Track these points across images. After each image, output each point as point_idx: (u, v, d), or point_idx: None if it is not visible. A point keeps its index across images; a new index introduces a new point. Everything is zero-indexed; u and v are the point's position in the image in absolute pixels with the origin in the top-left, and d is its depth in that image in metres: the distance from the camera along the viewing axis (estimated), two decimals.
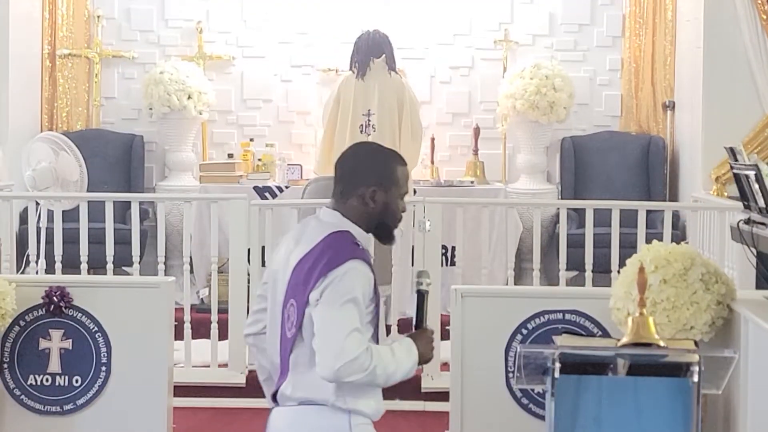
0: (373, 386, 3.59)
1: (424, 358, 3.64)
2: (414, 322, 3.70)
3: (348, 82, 8.69)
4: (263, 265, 7.49)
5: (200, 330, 7.47)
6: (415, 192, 8.68)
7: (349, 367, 3.47)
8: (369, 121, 8.63)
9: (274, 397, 3.73)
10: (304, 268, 3.60)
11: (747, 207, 5.05)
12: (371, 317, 3.62)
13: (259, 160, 9.48)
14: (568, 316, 5.23)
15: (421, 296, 3.64)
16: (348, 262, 3.55)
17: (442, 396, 5.90)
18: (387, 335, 7.75)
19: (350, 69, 8.73)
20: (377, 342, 3.66)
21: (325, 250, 3.59)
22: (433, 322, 3.67)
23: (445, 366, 5.61)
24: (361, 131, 8.63)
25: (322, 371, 3.49)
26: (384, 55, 8.64)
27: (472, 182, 9.26)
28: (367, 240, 3.69)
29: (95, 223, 7.62)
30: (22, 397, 5.87)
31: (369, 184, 3.64)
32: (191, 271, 7.80)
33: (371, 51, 8.64)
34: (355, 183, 3.66)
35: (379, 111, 8.58)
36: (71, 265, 7.60)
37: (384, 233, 3.70)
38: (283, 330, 3.64)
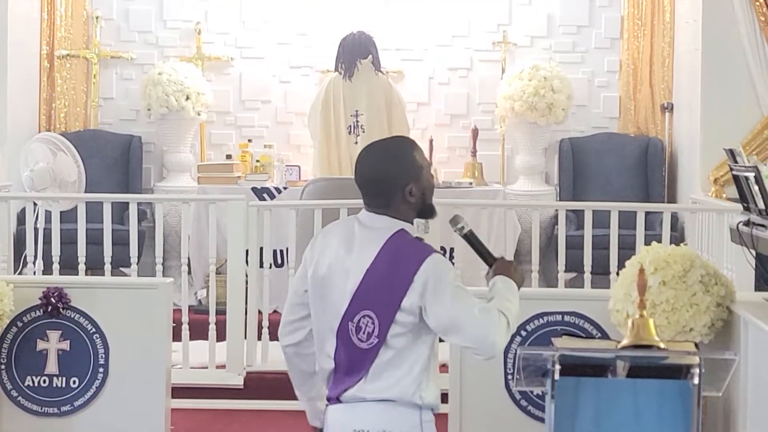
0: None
1: (521, 283, 3.64)
2: (484, 261, 3.70)
3: (335, 82, 8.71)
4: (261, 266, 7.48)
5: (198, 331, 7.46)
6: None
7: (501, 334, 3.48)
8: (357, 122, 8.64)
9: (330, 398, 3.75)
10: (378, 277, 3.59)
11: (746, 209, 5.05)
12: None
13: (258, 161, 9.47)
14: (567, 318, 5.22)
15: (468, 239, 3.66)
16: (428, 258, 3.57)
17: (441, 398, 5.89)
18: None
19: (336, 70, 8.75)
20: None
21: (398, 255, 3.60)
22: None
23: (443, 368, 5.59)
24: (349, 132, 8.65)
25: (487, 356, 3.52)
26: (371, 56, 8.66)
27: (470, 183, 9.25)
28: (413, 231, 3.70)
29: (93, 223, 7.61)
30: (20, 398, 5.86)
31: (402, 185, 3.66)
32: (189, 272, 7.79)
33: (357, 52, 8.66)
34: (391, 191, 3.67)
35: (368, 112, 8.60)
36: (69, 266, 7.59)
37: (431, 211, 3.73)
38: (351, 340, 3.61)
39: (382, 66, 8.86)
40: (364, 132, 8.62)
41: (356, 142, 8.64)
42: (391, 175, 3.68)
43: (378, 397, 3.59)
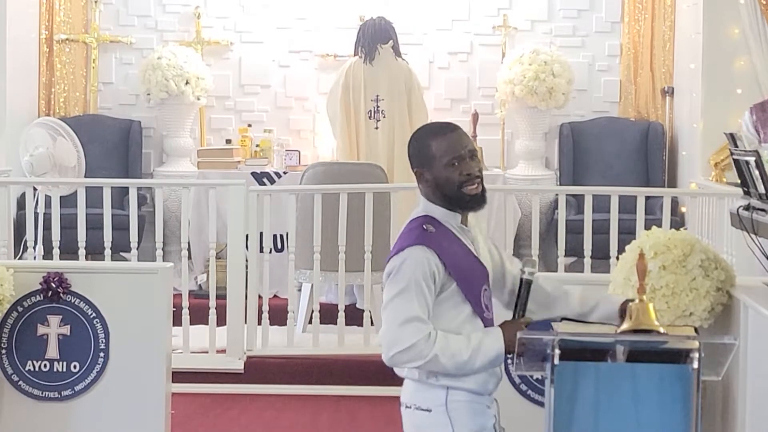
0: (444, 373, 3.56)
1: (511, 348, 3.56)
2: (513, 311, 3.67)
3: (356, 67, 8.69)
4: (261, 251, 7.49)
5: (198, 316, 7.47)
6: None
7: (405, 355, 3.51)
8: (378, 107, 8.63)
9: None
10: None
11: (747, 193, 5.04)
12: (459, 294, 3.60)
13: (257, 145, 9.46)
14: None
15: (527, 286, 3.62)
16: (406, 250, 3.58)
17: None
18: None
19: (356, 54, 8.72)
20: (484, 320, 3.65)
21: (397, 241, 3.68)
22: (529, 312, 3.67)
23: None
24: (369, 117, 8.64)
25: (383, 358, 3.58)
26: (391, 41, 8.65)
27: None
28: (452, 217, 3.68)
29: (93, 208, 7.61)
30: (20, 383, 5.86)
31: (414, 168, 3.71)
32: (189, 257, 7.79)
33: (378, 37, 8.64)
34: (414, 173, 3.73)
35: (388, 97, 8.60)
36: (69, 250, 7.59)
37: (460, 205, 3.67)
38: None
39: (403, 51, 8.83)
40: (384, 117, 8.61)
41: (377, 127, 8.63)
42: (409, 159, 3.76)
43: (407, 375, 3.68)
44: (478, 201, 3.66)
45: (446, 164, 3.63)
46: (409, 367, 3.58)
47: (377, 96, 8.64)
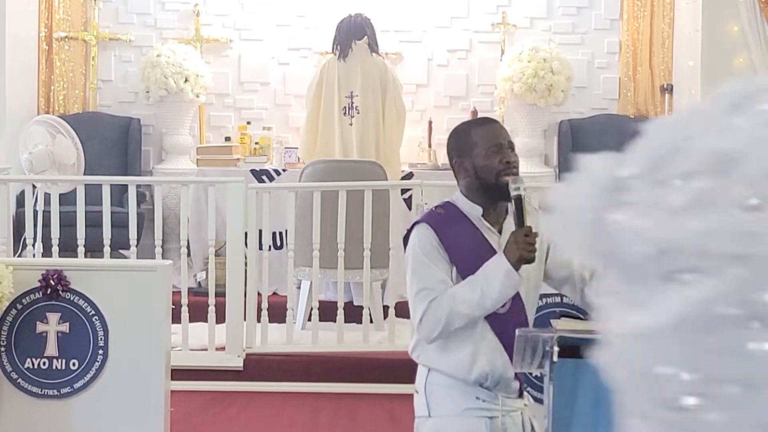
0: (471, 322, 3.60)
1: (521, 259, 3.57)
2: (516, 227, 3.67)
3: (330, 64, 8.70)
4: (260, 248, 7.49)
5: (197, 313, 7.47)
6: (412, 175, 8.69)
7: (425, 325, 3.61)
8: (352, 103, 8.63)
9: None
10: None
11: None
12: (464, 268, 3.65)
13: (257, 143, 9.46)
14: (566, 300, 5.22)
15: (517, 201, 3.63)
16: (412, 232, 3.72)
17: None
18: (385, 318, 7.76)
19: (332, 51, 8.74)
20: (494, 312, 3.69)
21: None
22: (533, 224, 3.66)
23: None
24: (345, 113, 8.63)
25: (416, 334, 3.71)
26: (366, 37, 8.64)
27: None
28: (473, 209, 3.73)
29: (92, 206, 7.61)
30: (19, 380, 5.86)
31: (453, 158, 3.79)
32: (188, 255, 7.79)
33: (352, 33, 8.65)
34: (451, 164, 3.81)
35: (362, 93, 8.59)
36: (68, 248, 7.59)
37: (497, 194, 3.69)
38: None
39: (379, 48, 8.83)
40: (358, 113, 8.61)
41: (351, 124, 8.63)
42: (448, 151, 3.84)
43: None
44: (506, 191, 3.68)
45: (487, 152, 3.69)
46: (438, 337, 3.61)
47: (351, 92, 8.64)
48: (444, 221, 3.70)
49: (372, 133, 8.58)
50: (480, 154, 3.69)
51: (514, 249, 3.57)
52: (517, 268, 3.57)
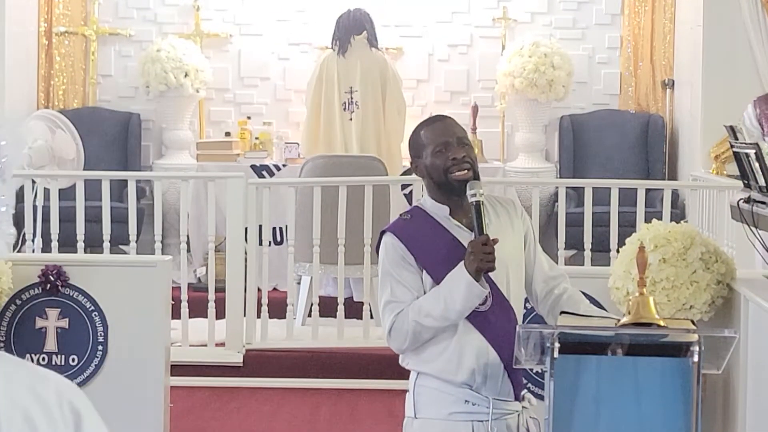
0: (438, 334, 3.60)
1: (479, 270, 3.53)
2: (474, 235, 3.64)
3: (329, 59, 8.70)
4: (260, 243, 7.48)
5: (197, 309, 7.45)
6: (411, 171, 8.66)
7: (394, 337, 3.63)
8: (351, 98, 8.63)
9: None
10: None
11: (747, 186, 5.03)
12: (433, 283, 3.63)
13: (257, 138, 9.45)
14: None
15: (476, 208, 3.61)
16: (380, 242, 3.73)
17: None
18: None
19: (331, 47, 8.73)
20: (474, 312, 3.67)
21: None
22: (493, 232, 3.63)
23: None
24: (344, 108, 8.64)
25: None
26: (365, 32, 8.63)
27: None
28: (440, 209, 3.71)
29: (92, 201, 7.60)
30: None
31: (411, 159, 3.81)
32: (188, 250, 7.78)
33: (352, 28, 8.65)
34: (410, 166, 3.85)
35: (362, 88, 8.58)
36: (68, 243, 7.58)
37: (450, 191, 3.68)
38: None
39: (379, 43, 8.82)
40: (358, 108, 8.61)
41: (351, 119, 8.62)
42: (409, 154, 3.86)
43: None
44: (462, 190, 3.65)
45: (434, 151, 3.68)
46: (408, 348, 3.63)
47: (351, 88, 8.63)
48: (409, 227, 3.70)
49: (372, 128, 8.58)
50: (428, 154, 3.69)
51: (471, 260, 3.54)
52: (477, 278, 3.53)
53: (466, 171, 3.65)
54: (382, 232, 3.74)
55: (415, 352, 3.66)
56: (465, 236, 3.66)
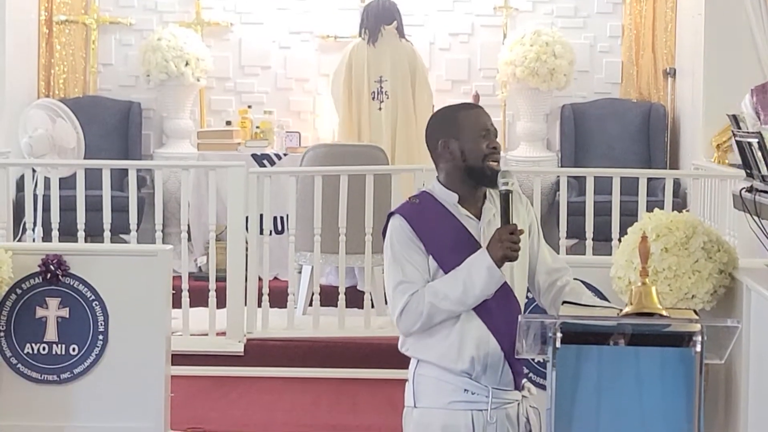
0: (450, 317, 3.58)
1: (504, 258, 3.54)
2: (501, 224, 3.63)
3: (359, 48, 8.67)
4: (261, 232, 7.46)
5: (198, 298, 7.44)
6: None
7: (405, 319, 3.60)
8: (381, 87, 8.61)
9: None
10: None
11: (749, 175, 5.01)
12: (440, 269, 3.62)
13: (258, 127, 9.43)
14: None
15: (504, 196, 3.60)
16: (388, 224, 3.72)
17: None
18: (386, 303, 7.74)
19: (359, 36, 8.70)
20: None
21: None
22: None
23: None
24: (373, 98, 8.63)
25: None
26: (395, 22, 8.62)
27: None
28: (449, 196, 3.68)
29: (92, 190, 7.58)
30: (19, 366, 5.85)
31: (438, 139, 3.71)
32: (189, 239, 7.77)
33: (381, 18, 8.62)
34: (433, 147, 3.74)
35: (392, 78, 8.58)
36: (68, 232, 7.56)
37: (480, 178, 3.67)
38: None
39: (406, 33, 8.80)
40: (388, 98, 8.59)
41: (380, 108, 8.61)
42: (430, 133, 3.76)
43: None
44: (493, 179, 3.65)
45: (476, 136, 3.67)
46: (417, 330, 3.60)
47: (381, 77, 8.62)
48: (419, 211, 3.68)
49: (402, 118, 8.57)
50: (468, 137, 3.66)
51: (497, 247, 3.54)
52: (499, 265, 3.54)
53: (498, 162, 3.68)
54: (390, 215, 3.72)
55: (417, 338, 3.64)
56: (473, 225, 3.66)
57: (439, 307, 3.56)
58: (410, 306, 3.57)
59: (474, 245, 3.62)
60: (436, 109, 3.88)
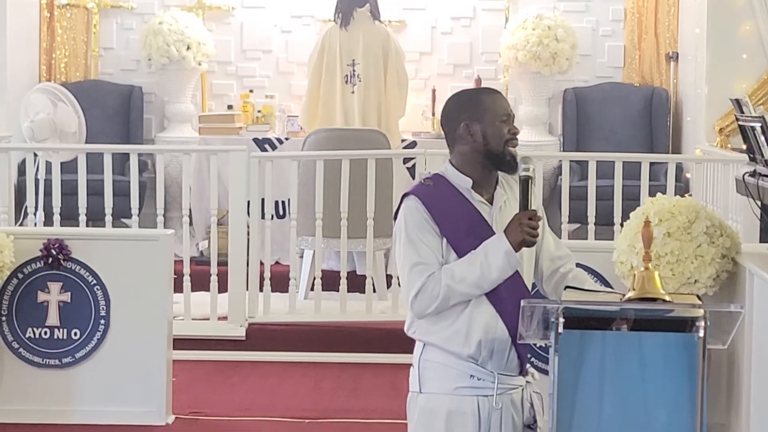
0: (464, 301, 3.57)
1: (523, 243, 3.54)
2: (520, 209, 3.61)
3: (332, 32, 8.66)
4: (263, 217, 7.46)
5: (200, 282, 7.44)
6: (415, 144, 8.64)
7: (420, 300, 3.57)
8: (354, 71, 8.59)
9: None
10: None
11: (752, 159, 5.00)
12: (452, 251, 3.61)
13: (259, 111, 9.42)
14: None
15: (524, 182, 3.59)
16: (402, 205, 3.66)
17: None
18: (388, 288, 7.75)
19: (333, 20, 8.70)
20: None
21: None
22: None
23: None
24: (346, 81, 8.61)
25: (409, 311, 3.66)
26: (367, 5, 8.60)
27: None
28: (464, 181, 3.66)
29: (94, 174, 7.57)
30: (21, 350, 5.85)
31: (460, 121, 3.68)
32: (191, 224, 7.76)
33: (354, 1, 8.61)
34: (452, 129, 3.70)
35: (364, 61, 8.56)
36: (70, 216, 7.56)
37: (499, 162, 3.66)
38: None
39: (381, 16, 8.77)
40: (360, 81, 8.57)
41: (353, 92, 8.58)
42: (451, 114, 3.73)
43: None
44: (512, 165, 3.65)
45: (499, 120, 3.65)
46: (432, 313, 3.58)
47: (353, 60, 8.60)
48: (433, 193, 3.66)
49: (374, 101, 8.55)
50: (491, 121, 3.64)
51: (517, 231, 3.54)
52: (517, 250, 3.54)
53: (516, 148, 3.67)
54: (404, 195, 3.68)
55: (425, 321, 3.63)
56: (486, 210, 3.65)
57: (455, 290, 3.55)
58: (426, 288, 3.55)
59: (487, 230, 3.61)
60: (453, 93, 3.81)
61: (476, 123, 3.64)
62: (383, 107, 8.57)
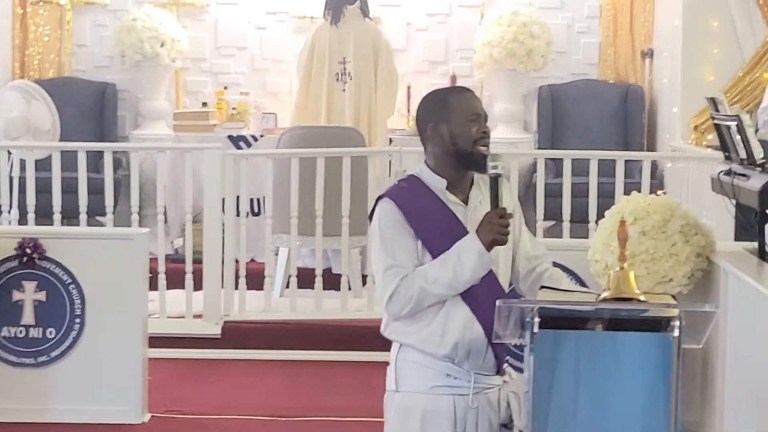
0: (438, 302, 3.57)
1: (494, 242, 3.54)
2: (491, 208, 3.61)
3: (322, 30, 8.62)
4: (238, 214, 7.45)
5: (175, 280, 7.42)
6: (391, 141, 8.64)
7: (394, 302, 3.58)
8: (345, 69, 8.56)
9: None
10: None
11: (727, 158, 5.02)
12: (428, 253, 3.61)
13: (234, 108, 9.39)
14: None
15: (494, 180, 3.59)
16: (377, 207, 3.67)
17: None
18: (363, 285, 7.74)
19: (323, 17, 8.66)
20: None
21: None
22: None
23: None
24: (337, 79, 8.57)
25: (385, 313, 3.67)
26: (358, 1, 8.57)
27: None
28: (438, 182, 3.66)
29: (68, 172, 7.54)
30: None
31: (428, 122, 3.68)
32: (165, 221, 7.74)
33: None
34: (422, 130, 3.71)
35: (355, 58, 8.53)
36: (44, 214, 7.53)
37: (469, 162, 3.65)
38: None
39: (370, 13, 8.76)
40: (351, 79, 8.55)
41: (344, 90, 8.56)
42: (420, 116, 3.74)
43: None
44: (483, 164, 3.63)
45: (466, 120, 3.65)
46: (406, 315, 3.59)
47: (344, 58, 8.58)
48: (407, 195, 3.65)
49: (365, 99, 8.53)
50: (458, 121, 3.64)
51: (487, 231, 3.53)
52: (489, 249, 3.54)
53: (487, 147, 3.65)
54: (379, 198, 3.68)
55: (401, 322, 3.63)
56: (461, 211, 3.65)
57: (429, 292, 3.55)
58: (400, 290, 3.56)
59: (462, 231, 3.61)
60: (426, 93, 3.81)
61: (443, 123, 3.65)
62: (373, 105, 8.55)
